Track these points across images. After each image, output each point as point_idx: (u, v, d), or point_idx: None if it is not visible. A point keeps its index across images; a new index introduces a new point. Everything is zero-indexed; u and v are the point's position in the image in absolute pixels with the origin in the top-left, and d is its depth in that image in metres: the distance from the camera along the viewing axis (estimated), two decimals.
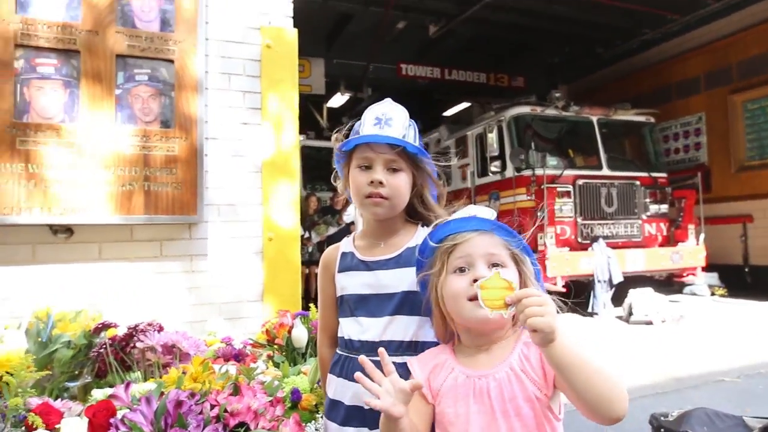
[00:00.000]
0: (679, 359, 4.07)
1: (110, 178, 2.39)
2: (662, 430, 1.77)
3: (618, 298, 6.42)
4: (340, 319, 1.24)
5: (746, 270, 7.76)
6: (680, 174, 8.27)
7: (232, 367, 1.72)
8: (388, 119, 1.18)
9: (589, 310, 6.43)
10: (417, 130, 1.22)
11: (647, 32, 8.90)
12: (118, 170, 2.40)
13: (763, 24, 7.66)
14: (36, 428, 1.27)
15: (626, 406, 0.79)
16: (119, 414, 1.19)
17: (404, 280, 1.16)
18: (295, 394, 1.52)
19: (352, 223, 6.29)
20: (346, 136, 1.24)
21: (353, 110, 11.40)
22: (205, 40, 2.62)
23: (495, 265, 0.97)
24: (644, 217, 7.25)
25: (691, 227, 7.33)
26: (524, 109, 7.24)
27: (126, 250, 2.48)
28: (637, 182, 7.27)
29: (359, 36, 8.93)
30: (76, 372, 1.71)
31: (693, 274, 7.17)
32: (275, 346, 1.96)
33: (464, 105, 10.91)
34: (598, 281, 6.36)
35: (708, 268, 7.29)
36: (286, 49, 2.85)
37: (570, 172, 6.96)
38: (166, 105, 2.52)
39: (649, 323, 5.78)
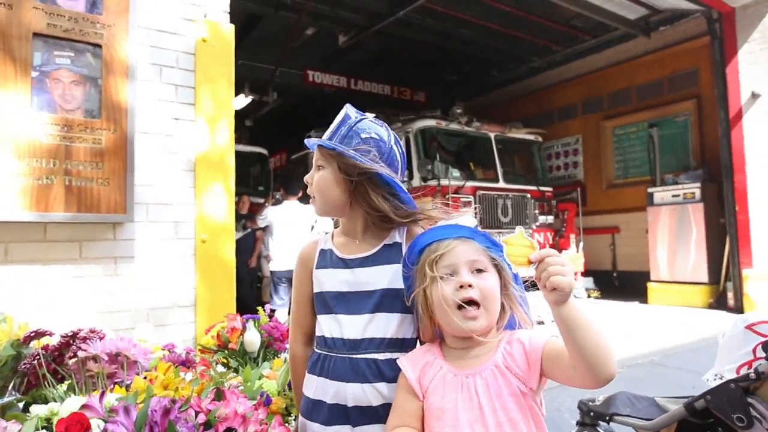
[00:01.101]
0: None
1: (22, 169, 2.11)
2: (592, 413, 1.96)
3: None
4: (319, 317, 1.24)
5: (614, 275, 8.87)
6: (561, 189, 9.23)
7: (188, 374, 1.62)
8: (330, 129, 1.26)
9: None
10: (352, 127, 1.23)
11: (535, 60, 9.85)
12: (33, 161, 2.13)
13: (627, 62, 8.88)
14: None
15: (615, 364, 0.92)
16: (95, 427, 1.08)
17: (383, 277, 1.18)
18: (266, 399, 1.48)
19: (266, 228, 6.12)
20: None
21: (257, 113, 11.09)
22: (136, 27, 2.43)
23: (478, 270, 1.03)
24: (534, 226, 7.96)
25: (573, 236, 8.21)
26: (430, 122, 7.61)
27: (38, 251, 2.20)
28: (528, 195, 7.97)
29: (267, 39, 8.75)
30: None
31: (574, 279, 7.99)
32: (227, 351, 1.88)
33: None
34: None
35: (585, 273, 8.22)
36: (222, 45, 2.74)
37: (471, 184, 7.44)
38: (92, 93, 2.29)
39: (542, 323, 6.36)
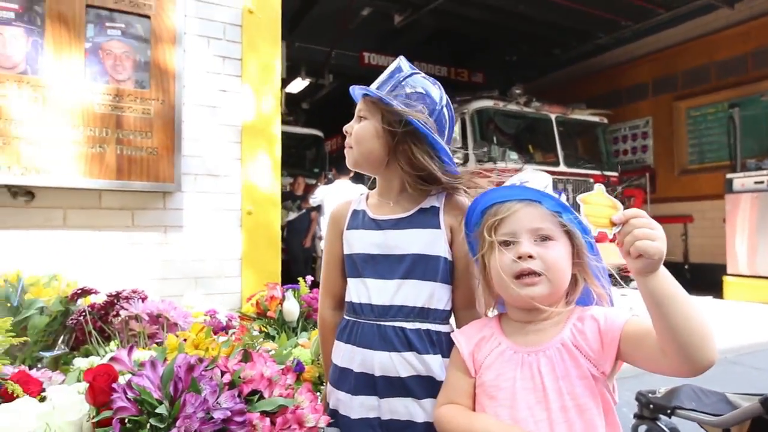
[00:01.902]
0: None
1: (78, 137, 2.19)
2: (651, 405, 1.80)
3: None
4: (349, 281, 1.17)
5: (686, 267, 8.28)
6: (629, 174, 8.69)
7: (224, 339, 1.61)
8: (380, 78, 1.18)
9: None
10: (401, 81, 1.14)
11: (602, 36, 9.26)
12: (87, 130, 2.20)
13: (706, 36, 8.17)
14: (17, 397, 1.12)
15: (716, 349, 0.76)
16: (121, 379, 1.07)
17: (416, 242, 1.10)
18: (298, 366, 1.44)
19: (318, 207, 6.19)
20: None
21: (313, 97, 11.19)
22: None
23: (544, 238, 0.90)
24: None
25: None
26: (487, 103, 7.36)
27: (94, 217, 2.28)
28: (591, 180, 7.55)
29: (322, 21, 8.75)
30: (50, 341, 1.55)
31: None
32: (266, 320, 1.86)
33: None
34: None
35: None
36: (269, 15, 2.72)
37: (529, 167, 7.14)
38: (141, 64, 2.33)
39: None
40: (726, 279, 7.10)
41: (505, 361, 0.92)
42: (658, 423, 1.79)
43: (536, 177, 0.96)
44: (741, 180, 7.07)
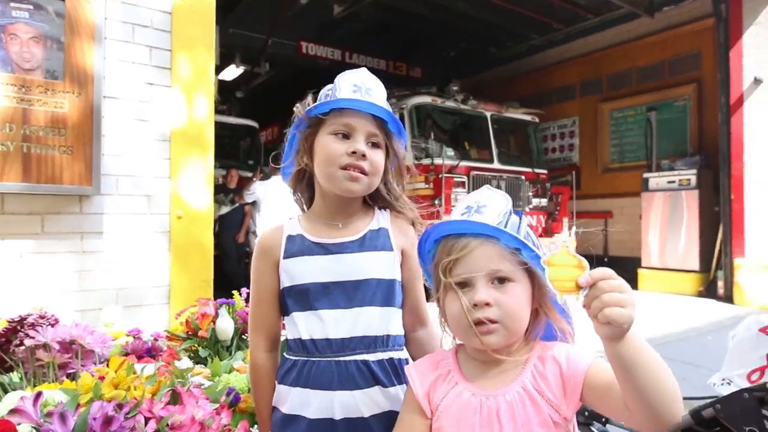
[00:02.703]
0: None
1: None
2: (586, 413, 1.84)
3: None
4: (294, 315, 1.04)
5: (605, 260, 8.81)
6: (556, 171, 9.09)
7: (149, 366, 1.48)
8: (368, 89, 1.05)
9: None
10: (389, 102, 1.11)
11: (535, 38, 9.58)
12: None
13: (629, 42, 8.66)
14: None
15: (681, 406, 0.74)
16: None
17: (373, 266, 1.04)
18: (234, 398, 1.34)
19: (253, 203, 5.93)
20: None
21: (248, 85, 10.76)
22: None
23: (502, 280, 0.84)
24: (527, 209, 7.84)
25: (565, 220, 8.11)
26: (425, 99, 7.40)
27: None
28: (523, 177, 7.82)
29: (259, 7, 8.39)
30: None
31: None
32: (198, 339, 1.73)
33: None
34: None
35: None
36: (201, 6, 2.52)
37: (465, 163, 7.27)
38: (53, 52, 2.08)
39: None
40: (640, 271, 7.62)
41: (463, 405, 0.86)
42: (592, 429, 1.85)
43: (494, 200, 0.88)
44: (656, 179, 7.60)
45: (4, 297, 2.01)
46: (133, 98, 2.36)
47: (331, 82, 1.10)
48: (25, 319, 1.44)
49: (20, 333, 1.42)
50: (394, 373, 1.03)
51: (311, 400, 0.99)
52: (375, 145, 1.05)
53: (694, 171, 7.15)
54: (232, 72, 10.09)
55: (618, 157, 9.10)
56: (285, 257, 1.05)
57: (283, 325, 1.12)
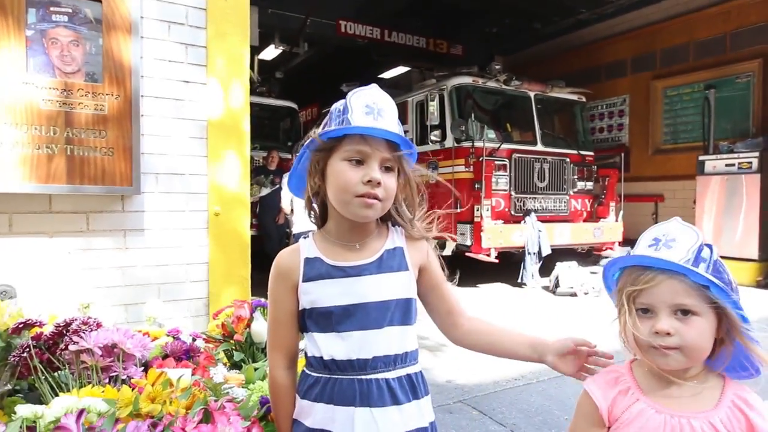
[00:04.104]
0: (599, 332, 4.33)
1: (21, 137, 1.98)
2: None
3: (544, 270, 6.75)
4: (315, 336, 1.06)
5: None
6: (604, 152, 8.72)
7: (186, 372, 1.51)
8: (380, 110, 1.04)
9: (519, 281, 6.70)
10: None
11: (583, 11, 9.10)
12: (32, 129, 2.00)
13: (686, 15, 8.09)
14: None
15: None
16: None
17: (391, 287, 1.06)
18: (267, 406, 1.35)
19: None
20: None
21: (287, 65, 10.78)
22: None
23: (685, 312, 0.85)
24: (572, 192, 7.58)
25: (612, 204, 7.80)
26: (466, 80, 7.19)
27: (43, 222, 2.11)
28: (567, 159, 7.55)
29: None
30: None
31: (611, 248, 7.68)
32: (233, 343, 1.76)
33: (403, 69, 10.69)
34: (528, 253, 6.61)
35: (623, 243, 7.84)
36: (236, 1, 2.50)
37: (507, 146, 7.07)
38: (92, 54, 2.11)
39: (574, 295, 6.13)
40: None
41: (646, 421, 0.88)
42: None
43: (683, 236, 0.88)
44: (713, 162, 7.16)
45: (54, 292, 2.10)
46: (170, 96, 2.38)
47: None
48: (70, 324, 1.50)
49: (65, 337, 1.47)
50: (411, 388, 1.06)
51: (335, 416, 1.02)
52: (388, 170, 1.04)
53: (756, 153, 6.68)
54: (270, 52, 10.12)
55: (671, 138, 8.63)
56: (304, 280, 1.06)
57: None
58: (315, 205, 1.12)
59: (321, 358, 1.04)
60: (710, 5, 7.76)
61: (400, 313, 1.06)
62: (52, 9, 2.03)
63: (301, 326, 1.10)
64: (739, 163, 6.83)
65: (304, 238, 1.14)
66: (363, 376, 1.02)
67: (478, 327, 1.16)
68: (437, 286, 1.14)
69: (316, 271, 1.06)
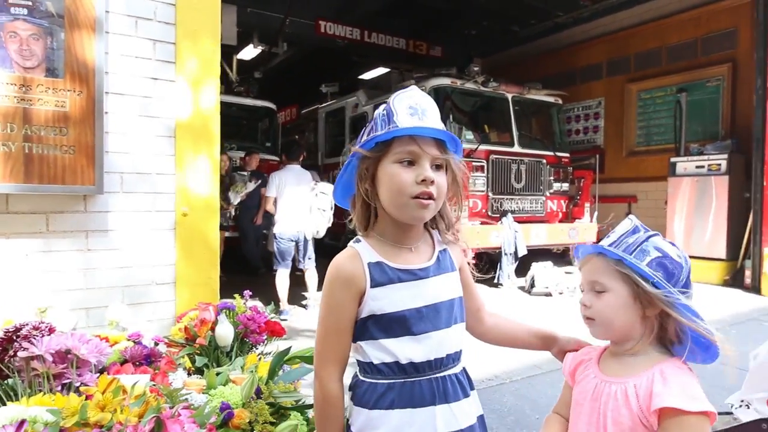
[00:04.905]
0: (575, 331, 4.38)
1: None
2: None
3: (520, 270, 6.81)
4: (385, 342, 1.04)
5: None
6: (579, 154, 8.83)
7: (143, 378, 1.46)
8: (424, 110, 1.06)
9: (495, 281, 6.74)
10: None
11: (560, 15, 9.22)
12: None
13: (658, 20, 8.25)
14: None
15: None
16: None
17: (450, 287, 1.12)
18: (227, 414, 1.32)
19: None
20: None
21: (266, 65, 10.67)
22: None
23: (599, 291, 1.02)
24: (548, 194, 7.67)
25: (587, 205, 7.91)
26: (445, 81, 7.22)
27: (1, 223, 2.03)
28: (544, 160, 7.63)
29: None
30: None
31: None
32: (196, 347, 1.71)
33: (383, 70, 10.68)
34: (505, 254, 6.66)
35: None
36: None
37: (484, 147, 7.11)
38: (54, 49, 2.04)
39: (549, 295, 6.19)
40: None
41: (586, 384, 1.04)
42: None
43: (620, 227, 1.06)
44: (684, 164, 7.32)
45: (11, 296, 2.03)
46: (136, 94, 2.32)
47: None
48: (20, 329, 1.44)
49: (15, 343, 1.42)
50: (468, 381, 1.14)
51: (414, 420, 1.03)
52: (438, 168, 1.06)
53: (725, 156, 6.85)
54: (249, 52, 10.00)
55: (644, 140, 8.79)
56: (372, 286, 1.05)
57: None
58: (366, 211, 1.12)
59: (396, 363, 1.04)
60: (682, 11, 7.93)
61: (459, 311, 1.12)
62: (10, 2, 1.95)
63: (356, 335, 1.07)
64: (709, 165, 6.99)
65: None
66: (438, 374, 1.06)
67: (499, 322, 1.27)
68: (469, 285, 1.20)
69: (384, 276, 1.05)
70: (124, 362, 1.62)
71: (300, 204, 5.36)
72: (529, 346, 1.27)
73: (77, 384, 1.43)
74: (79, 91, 2.08)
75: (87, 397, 1.18)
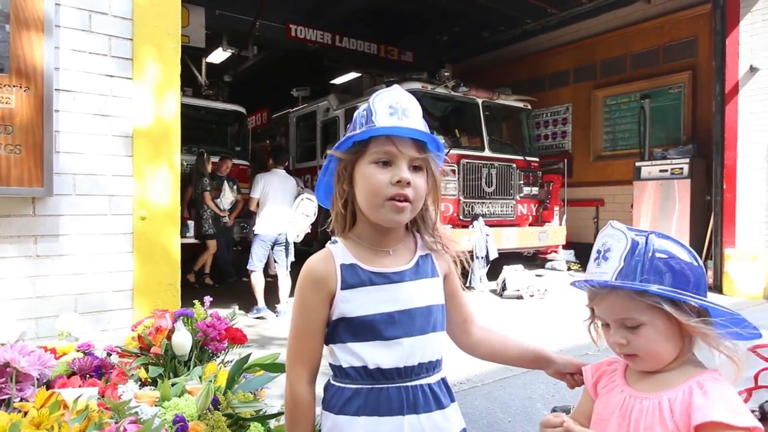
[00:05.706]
0: (547, 333, 4.41)
1: None
2: None
3: (491, 274, 6.84)
4: (353, 345, 1.01)
5: None
6: (548, 159, 8.98)
7: (89, 391, 1.36)
8: (405, 109, 1.02)
9: (467, 284, 6.76)
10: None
11: (529, 22, 9.37)
12: None
13: (623, 28, 8.49)
14: None
15: None
16: None
17: (429, 293, 1.07)
18: (181, 427, 1.24)
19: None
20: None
21: (237, 69, 10.51)
22: None
23: (631, 326, 0.91)
24: (518, 197, 7.75)
25: (556, 209, 8.03)
26: (416, 85, 7.22)
27: None
28: (514, 165, 7.72)
29: None
30: None
31: (555, 252, 7.90)
32: (151, 357, 1.62)
33: (354, 75, 10.66)
34: (476, 257, 6.68)
35: (566, 246, 8.08)
36: None
37: (455, 152, 7.14)
38: None
39: (520, 297, 6.23)
40: None
41: (611, 397, 0.97)
42: None
43: (616, 242, 0.93)
44: (648, 168, 7.50)
45: None
46: (90, 92, 2.21)
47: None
48: None
49: None
50: (447, 391, 1.08)
51: (380, 429, 0.99)
52: (417, 169, 1.02)
53: (687, 160, 7.06)
54: (219, 55, 9.83)
55: (611, 145, 8.99)
56: (343, 288, 1.02)
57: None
58: (343, 212, 1.08)
59: (364, 368, 1.00)
60: (645, 20, 8.16)
61: (440, 318, 1.07)
62: None
63: (328, 337, 1.04)
64: (672, 169, 7.18)
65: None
66: (409, 383, 1.01)
67: (489, 336, 1.21)
68: (456, 295, 1.16)
69: (356, 278, 1.02)
70: (71, 375, 1.52)
71: (284, 207, 5.42)
72: (521, 364, 1.23)
73: (16, 399, 1.33)
74: (25, 87, 1.96)
75: (26, 414, 1.08)
